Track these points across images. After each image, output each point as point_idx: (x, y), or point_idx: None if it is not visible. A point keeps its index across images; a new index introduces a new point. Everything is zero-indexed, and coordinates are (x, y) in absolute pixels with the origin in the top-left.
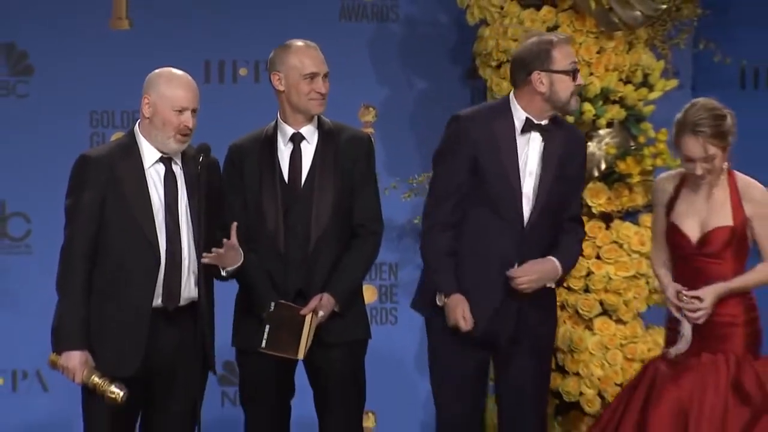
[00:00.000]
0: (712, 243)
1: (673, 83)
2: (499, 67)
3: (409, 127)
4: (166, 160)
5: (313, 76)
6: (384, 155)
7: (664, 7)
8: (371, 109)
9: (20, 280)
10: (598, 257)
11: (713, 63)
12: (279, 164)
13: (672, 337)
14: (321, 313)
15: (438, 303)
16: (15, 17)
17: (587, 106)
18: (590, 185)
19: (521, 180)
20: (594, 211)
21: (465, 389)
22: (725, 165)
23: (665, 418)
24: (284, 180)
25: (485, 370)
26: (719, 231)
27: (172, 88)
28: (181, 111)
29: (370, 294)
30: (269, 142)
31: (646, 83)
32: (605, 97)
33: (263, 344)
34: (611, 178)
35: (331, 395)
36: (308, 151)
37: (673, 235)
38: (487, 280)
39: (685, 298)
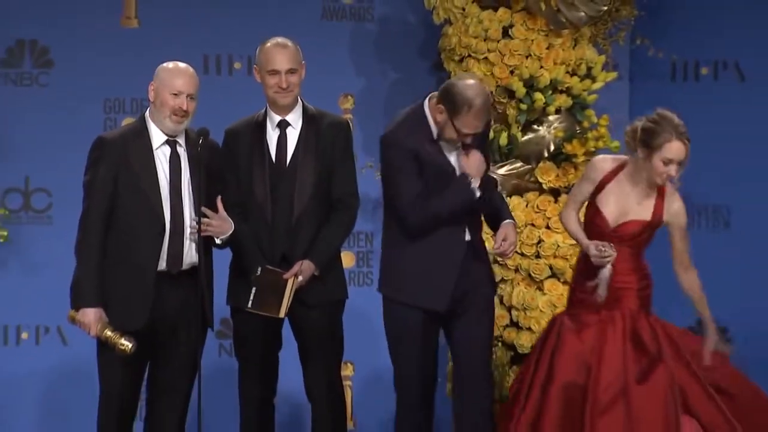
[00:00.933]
0: (626, 230)
1: (613, 75)
2: (461, 60)
3: (383, 113)
4: (171, 142)
5: (275, 72)
6: (361, 138)
7: (605, 8)
8: (350, 97)
9: (42, 247)
10: (548, 227)
11: (648, 57)
12: (267, 146)
13: (584, 287)
14: (301, 278)
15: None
16: (38, 17)
17: (538, 96)
18: (541, 164)
19: None
20: (544, 186)
21: (421, 355)
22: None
23: (570, 365)
24: (272, 160)
25: (436, 335)
26: (635, 223)
27: (171, 75)
28: (177, 94)
29: (348, 259)
30: (260, 127)
31: (589, 75)
32: (554, 87)
33: (249, 304)
34: (559, 158)
35: (312, 348)
36: (293, 135)
37: (594, 215)
38: (447, 262)
39: (601, 248)
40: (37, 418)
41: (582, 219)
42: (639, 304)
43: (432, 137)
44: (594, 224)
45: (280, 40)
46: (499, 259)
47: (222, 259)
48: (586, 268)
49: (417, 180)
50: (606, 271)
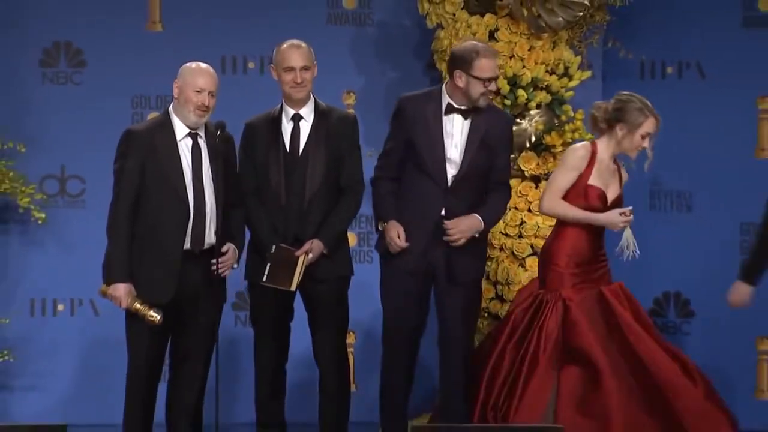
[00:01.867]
0: (615, 204)
1: (588, 74)
2: None
3: (382, 108)
4: (193, 134)
5: (290, 69)
6: (363, 130)
7: (581, 14)
8: (352, 94)
9: (77, 228)
10: (529, 210)
11: (619, 58)
12: (282, 138)
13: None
14: (311, 255)
15: (379, 228)
16: (72, 22)
17: (521, 92)
18: (523, 154)
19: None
20: (526, 174)
21: (408, 308)
22: None
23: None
24: (286, 150)
25: (426, 296)
26: (618, 197)
27: (194, 74)
28: (199, 91)
29: (351, 239)
30: (276, 121)
31: (566, 74)
32: (535, 84)
33: (264, 278)
34: (539, 148)
35: (320, 318)
36: (305, 127)
37: (594, 196)
38: (420, 223)
39: (626, 213)
40: (72, 382)
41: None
42: (608, 273)
43: (440, 109)
44: (593, 204)
45: (294, 41)
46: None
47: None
48: (565, 244)
49: (397, 145)
50: (628, 231)
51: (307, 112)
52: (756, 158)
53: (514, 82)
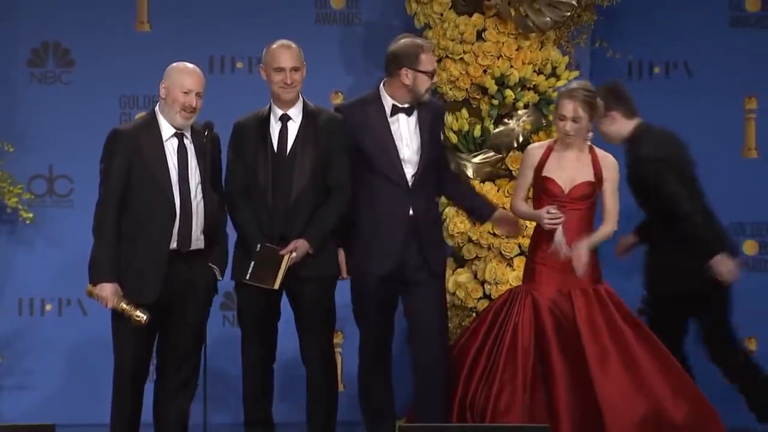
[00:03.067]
0: (578, 192)
1: (575, 74)
2: (439, 61)
3: None
4: (179, 135)
5: (280, 69)
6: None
7: (568, 14)
8: (340, 94)
9: (64, 228)
10: None
11: (606, 58)
12: (270, 138)
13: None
14: (295, 254)
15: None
16: (60, 22)
17: (508, 92)
18: (511, 154)
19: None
20: (514, 174)
21: (380, 313)
22: (588, 138)
23: (550, 327)
24: (274, 150)
25: (395, 298)
26: (584, 184)
27: (181, 75)
28: (186, 93)
29: None
30: (264, 120)
31: (554, 74)
32: (522, 85)
33: (247, 276)
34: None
35: (307, 318)
36: (293, 128)
37: (548, 186)
38: (391, 226)
39: (552, 211)
40: (60, 382)
41: (531, 196)
42: (590, 274)
43: (384, 112)
44: (548, 192)
45: (285, 41)
46: (473, 238)
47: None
48: (539, 239)
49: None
50: (559, 234)
51: (296, 113)
52: (743, 157)
53: (501, 82)
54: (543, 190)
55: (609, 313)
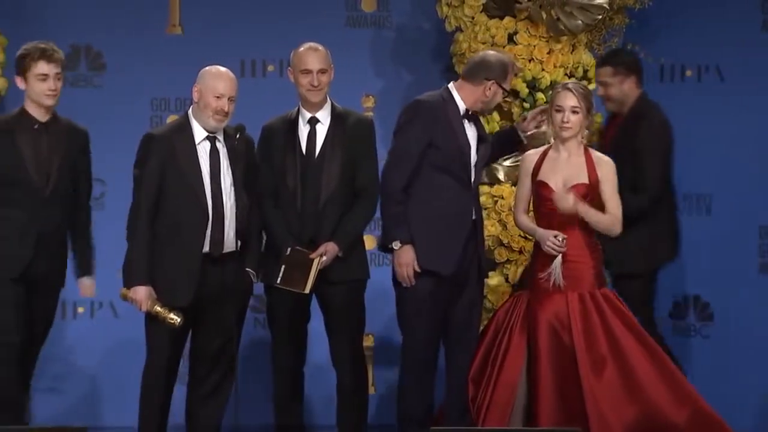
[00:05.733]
0: (575, 194)
1: None
2: None
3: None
4: (211, 138)
5: (307, 71)
6: (381, 133)
7: (600, 17)
8: (371, 97)
9: (97, 231)
10: None
11: None
12: (299, 140)
13: (538, 266)
14: (325, 258)
15: (394, 247)
16: (92, 25)
17: (540, 95)
18: None
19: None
20: None
21: (434, 317)
22: (582, 138)
23: (545, 339)
24: (302, 152)
25: (448, 300)
26: (578, 186)
27: (214, 79)
28: (219, 97)
29: (370, 242)
30: (293, 123)
31: (585, 77)
32: (554, 88)
33: (278, 280)
34: None
35: (336, 321)
36: (322, 130)
37: (542, 190)
38: (455, 228)
39: (558, 240)
40: (92, 384)
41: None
42: (594, 276)
43: (459, 113)
44: (543, 197)
45: (312, 44)
46: (504, 241)
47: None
48: (539, 255)
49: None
50: (558, 260)
51: (324, 115)
52: None
53: (533, 86)
54: (537, 195)
55: (606, 319)
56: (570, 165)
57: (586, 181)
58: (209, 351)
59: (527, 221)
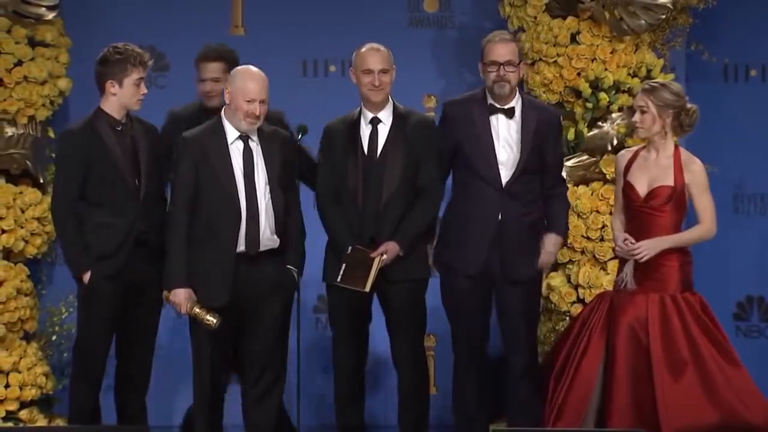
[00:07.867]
0: (656, 198)
1: (671, 77)
2: (533, 64)
3: None
4: (244, 137)
5: (368, 71)
6: None
7: (664, 17)
8: (432, 97)
9: None
10: (611, 213)
11: (702, 61)
12: (361, 140)
13: (618, 269)
14: (386, 257)
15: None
16: (156, 26)
17: (603, 95)
18: (605, 157)
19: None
20: (608, 177)
21: (470, 314)
22: (672, 138)
23: (623, 340)
24: (364, 152)
25: (488, 300)
26: (662, 189)
27: (244, 82)
28: (250, 101)
29: None
30: (354, 123)
31: (649, 77)
32: (617, 87)
33: (339, 279)
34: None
35: (397, 321)
36: (383, 130)
37: (628, 191)
38: (479, 228)
39: (629, 243)
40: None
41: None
42: (680, 280)
43: (486, 111)
44: (629, 200)
45: (373, 44)
46: (567, 241)
47: (319, 241)
48: (620, 258)
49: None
50: (629, 267)
51: (386, 116)
52: None
53: (596, 86)
54: (625, 196)
55: (687, 324)
56: (657, 166)
57: (671, 183)
58: (255, 352)
59: (615, 222)
